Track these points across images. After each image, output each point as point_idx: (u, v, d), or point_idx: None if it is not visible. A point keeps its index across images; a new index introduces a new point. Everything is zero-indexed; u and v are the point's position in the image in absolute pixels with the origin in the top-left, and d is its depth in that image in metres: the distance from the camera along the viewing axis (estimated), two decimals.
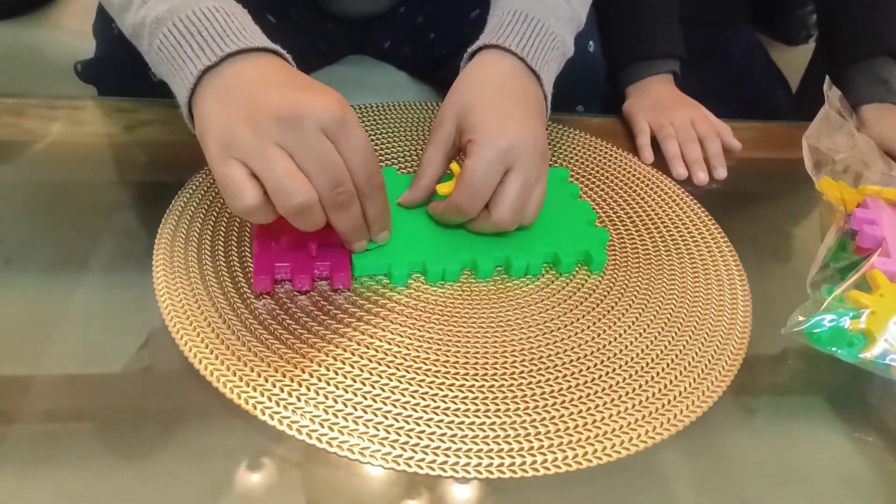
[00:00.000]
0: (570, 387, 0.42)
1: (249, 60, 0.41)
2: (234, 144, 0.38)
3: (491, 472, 0.37)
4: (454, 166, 0.49)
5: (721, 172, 0.65)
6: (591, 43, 0.70)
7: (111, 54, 0.64)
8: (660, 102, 0.70)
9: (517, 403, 0.40)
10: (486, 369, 0.42)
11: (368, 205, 0.43)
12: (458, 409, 0.40)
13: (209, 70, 0.41)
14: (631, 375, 0.43)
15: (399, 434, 0.38)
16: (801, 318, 0.45)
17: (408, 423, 0.38)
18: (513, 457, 0.37)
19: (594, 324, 0.46)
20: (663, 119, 0.68)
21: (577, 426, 0.39)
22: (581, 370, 0.43)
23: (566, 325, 0.46)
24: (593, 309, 0.48)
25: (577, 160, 0.63)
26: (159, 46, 0.42)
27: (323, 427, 0.38)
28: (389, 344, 0.43)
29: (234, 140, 0.38)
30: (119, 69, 0.62)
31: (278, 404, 0.38)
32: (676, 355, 0.45)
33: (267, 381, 0.39)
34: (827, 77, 0.67)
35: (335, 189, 0.40)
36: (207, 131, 0.40)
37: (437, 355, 0.43)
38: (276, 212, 0.39)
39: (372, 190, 0.42)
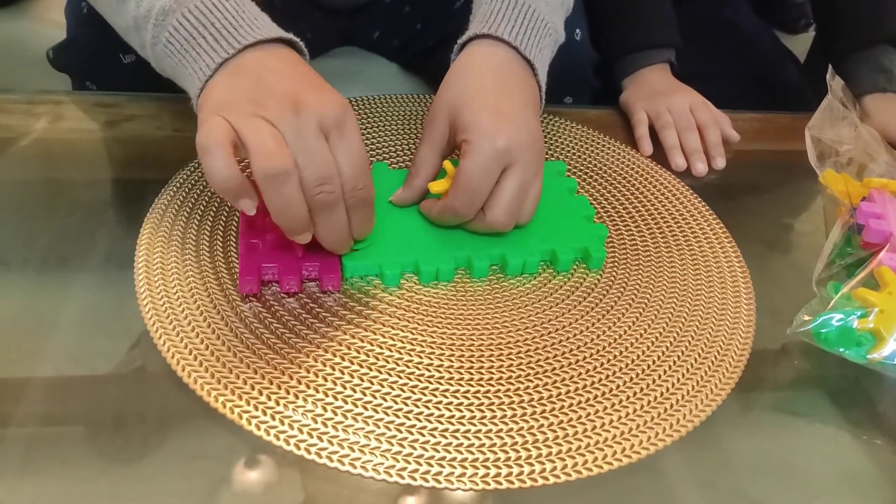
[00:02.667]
0: (569, 391, 0.40)
1: (265, 51, 0.40)
2: (229, 108, 0.37)
3: (487, 483, 0.35)
4: (447, 164, 0.48)
5: (720, 162, 0.63)
6: (577, 31, 0.68)
7: (82, 34, 0.62)
8: (657, 90, 0.69)
9: (514, 410, 0.39)
10: (483, 373, 0.41)
11: (352, 215, 0.41)
12: (453, 417, 0.38)
13: (224, 62, 0.40)
14: (632, 378, 0.41)
15: (392, 443, 0.36)
16: (807, 318, 0.44)
17: (401, 431, 0.37)
18: (510, 466, 0.36)
19: (594, 324, 0.45)
20: (661, 106, 0.66)
21: (576, 433, 0.38)
22: (581, 373, 0.41)
23: (564, 326, 0.44)
24: (592, 308, 0.46)
25: (574, 153, 0.62)
26: (168, 39, 0.41)
27: (312, 437, 0.36)
28: (381, 348, 0.41)
29: (230, 106, 0.38)
30: (90, 50, 0.61)
31: (265, 413, 0.37)
32: (679, 356, 0.43)
33: (253, 388, 0.38)
34: (830, 67, 0.65)
35: (320, 185, 0.38)
36: (207, 102, 0.39)
37: (431, 359, 0.41)
38: (241, 179, 0.37)
39: (357, 201, 0.40)
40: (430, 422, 0.38)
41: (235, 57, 0.40)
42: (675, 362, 0.43)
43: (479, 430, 0.38)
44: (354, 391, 0.39)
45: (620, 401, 0.40)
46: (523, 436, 0.37)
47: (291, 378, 0.39)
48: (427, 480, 0.35)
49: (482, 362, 0.41)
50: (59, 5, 0.65)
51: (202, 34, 0.40)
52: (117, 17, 0.45)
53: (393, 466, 0.35)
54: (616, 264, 0.50)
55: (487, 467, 0.36)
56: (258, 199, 0.38)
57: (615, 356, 0.43)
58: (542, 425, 0.38)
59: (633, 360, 0.43)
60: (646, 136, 0.65)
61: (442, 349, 0.42)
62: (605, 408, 0.40)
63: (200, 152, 0.36)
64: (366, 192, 0.40)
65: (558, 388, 0.40)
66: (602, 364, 0.42)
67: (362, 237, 0.44)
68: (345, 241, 0.42)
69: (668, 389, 0.41)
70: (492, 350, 0.42)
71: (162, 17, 0.41)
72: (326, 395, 0.38)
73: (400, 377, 0.40)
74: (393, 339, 0.42)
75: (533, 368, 0.41)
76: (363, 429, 0.37)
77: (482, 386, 0.40)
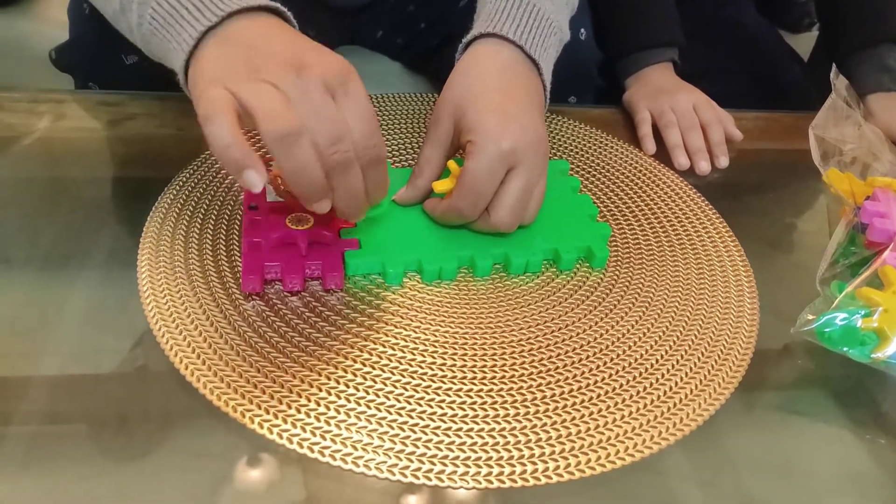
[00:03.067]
0: (572, 390, 0.40)
1: (251, 19, 0.39)
2: (227, 78, 0.36)
3: (490, 482, 0.35)
4: (451, 163, 0.48)
5: (723, 161, 0.63)
6: (582, 30, 0.68)
7: (84, 34, 0.62)
8: (660, 89, 0.69)
9: (517, 409, 0.39)
10: (485, 372, 0.40)
11: (366, 175, 0.39)
12: (455, 415, 0.38)
13: (209, 31, 0.38)
14: (635, 377, 0.41)
15: (395, 442, 0.36)
16: (810, 317, 0.44)
17: (403, 430, 0.37)
18: (513, 465, 0.36)
19: (596, 323, 0.45)
20: (664, 105, 0.66)
21: (579, 431, 0.38)
22: (584, 372, 0.41)
23: (567, 325, 0.44)
24: (595, 307, 0.46)
25: (577, 152, 0.62)
26: (152, 15, 0.40)
27: (314, 435, 0.36)
28: (384, 347, 0.41)
29: (227, 76, 0.36)
30: (92, 50, 0.61)
31: (268, 412, 0.37)
32: (682, 356, 0.43)
33: (256, 387, 0.38)
34: (833, 66, 0.65)
35: (334, 145, 0.36)
36: (201, 76, 0.37)
37: (434, 358, 0.41)
38: (245, 147, 0.35)
39: (370, 160, 0.39)
40: (433, 420, 0.38)
41: (221, 26, 0.38)
42: (678, 361, 0.43)
43: (482, 429, 0.37)
44: (357, 389, 0.38)
45: (623, 399, 0.40)
46: (526, 434, 0.37)
47: (294, 377, 0.39)
48: (430, 479, 0.35)
49: (485, 361, 0.41)
50: (62, 5, 0.65)
51: (184, 5, 0.39)
52: (106, 4, 0.44)
53: (395, 465, 0.35)
54: (619, 263, 0.50)
55: (490, 466, 0.36)
56: (264, 174, 0.36)
57: (618, 355, 0.43)
58: (544, 424, 0.38)
59: (635, 359, 0.43)
60: (649, 135, 0.65)
61: (445, 348, 0.42)
62: (608, 406, 0.39)
63: (203, 122, 0.35)
64: (378, 150, 0.39)
65: (561, 386, 0.40)
66: (605, 363, 0.42)
67: (378, 200, 0.42)
68: (362, 205, 0.41)
69: (670, 388, 0.41)
70: (494, 349, 0.42)
71: None
72: (329, 394, 0.38)
73: (402, 376, 0.40)
74: (396, 338, 0.42)
75: (536, 367, 0.41)
76: (366, 427, 0.37)
77: (485, 384, 0.40)
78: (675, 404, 0.40)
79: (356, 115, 0.37)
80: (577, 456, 0.37)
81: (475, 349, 0.42)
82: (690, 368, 0.42)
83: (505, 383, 0.40)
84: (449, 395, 0.39)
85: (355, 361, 0.40)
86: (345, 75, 0.37)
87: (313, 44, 0.39)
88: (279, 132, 0.35)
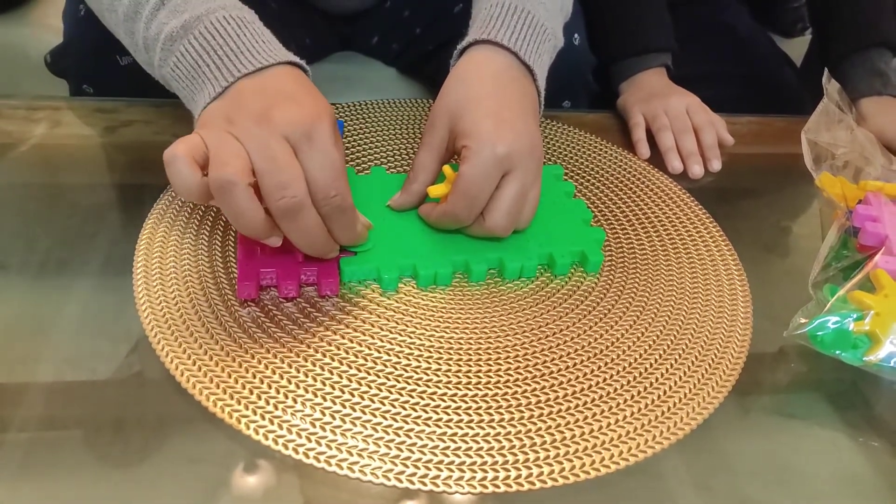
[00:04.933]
0: (567, 394, 0.40)
1: (263, 76, 0.41)
2: (205, 126, 0.39)
3: (486, 487, 0.35)
4: (446, 168, 0.48)
5: (716, 165, 0.64)
6: (576, 36, 0.69)
7: (78, 36, 0.62)
8: (654, 93, 0.69)
9: (512, 413, 0.39)
10: (480, 377, 0.41)
11: (329, 223, 0.41)
12: (451, 420, 0.38)
13: (224, 90, 0.41)
14: (630, 381, 0.42)
15: (390, 447, 0.36)
16: (803, 321, 0.44)
17: (399, 435, 0.37)
18: (508, 469, 0.36)
19: (591, 327, 0.45)
20: (658, 109, 0.66)
21: (574, 436, 0.38)
22: (578, 376, 0.42)
23: (562, 330, 0.45)
24: (590, 312, 0.46)
25: (571, 157, 0.62)
26: (176, 64, 0.42)
27: (310, 441, 0.36)
28: (379, 352, 0.41)
29: (206, 125, 0.39)
30: (86, 51, 0.61)
31: (263, 417, 0.37)
32: (676, 359, 0.43)
33: (252, 392, 0.38)
34: (826, 70, 0.65)
35: (280, 191, 0.37)
36: (196, 124, 0.41)
37: (430, 363, 0.41)
38: (201, 185, 0.37)
39: (332, 210, 0.40)
40: (429, 425, 0.38)
41: (234, 84, 0.40)
42: (672, 365, 0.43)
43: (477, 434, 0.38)
44: (353, 395, 0.39)
45: (618, 404, 0.40)
46: (521, 439, 0.38)
47: (290, 382, 0.39)
48: (425, 484, 0.35)
49: (480, 366, 0.41)
50: (59, 11, 0.65)
51: (206, 62, 0.41)
52: (124, 33, 0.45)
53: (391, 470, 0.35)
54: (613, 267, 0.50)
55: (486, 470, 0.36)
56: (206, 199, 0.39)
57: (612, 359, 0.43)
58: (539, 428, 0.38)
59: (630, 364, 0.43)
60: (643, 139, 0.65)
61: (440, 353, 0.42)
62: (603, 411, 0.40)
63: (165, 166, 0.37)
64: (339, 200, 0.40)
65: (556, 391, 0.40)
66: (599, 367, 0.42)
67: (350, 243, 0.44)
68: (322, 247, 0.41)
69: (665, 392, 0.41)
70: (489, 353, 0.42)
71: (170, 42, 0.42)
72: (325, 400, 0.38)
73: (398, 381, 0.40)
74: (391, 343, 0.42)
75: (531, 372, 0.41)
76: (362, 433, 0.37)
77: (480, 389, 0.40)
78: (669, 408, 0.40)
79: (316, 164, 0.38)
80: (571, 460, 0.37)
81: (470, 354, 0.42)
82: (685, 372, 0.43)
83: (500, 388, 0.40)
84: (444, 400, 0.39)
85: (350, 367, 0.40)
86: (309, 127, 0.38)
87: (298, 94, 0.40)
88: (215, 181, 0.36)
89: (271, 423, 0.37)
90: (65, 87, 0.67)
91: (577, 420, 0.39)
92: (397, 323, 0.43)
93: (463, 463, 0.36)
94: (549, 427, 0.38)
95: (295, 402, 0.38)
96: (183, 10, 0.42)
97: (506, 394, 0.40)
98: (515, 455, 0.37)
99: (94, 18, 0.49)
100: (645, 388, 0.41)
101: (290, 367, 0.40)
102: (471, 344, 0.43)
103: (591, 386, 0.41)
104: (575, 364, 0.42)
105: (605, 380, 0.42)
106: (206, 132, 0.38)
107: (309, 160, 0.38)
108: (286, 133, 0.38)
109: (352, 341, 0.42)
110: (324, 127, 0.39)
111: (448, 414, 0.38)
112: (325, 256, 0.43)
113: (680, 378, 0.42)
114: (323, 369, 0.40)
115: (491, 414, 0.39)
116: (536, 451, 0.37)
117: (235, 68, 0.40)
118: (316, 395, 0.38)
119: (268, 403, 0.37)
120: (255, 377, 0.39)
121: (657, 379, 0.42)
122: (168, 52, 0.42)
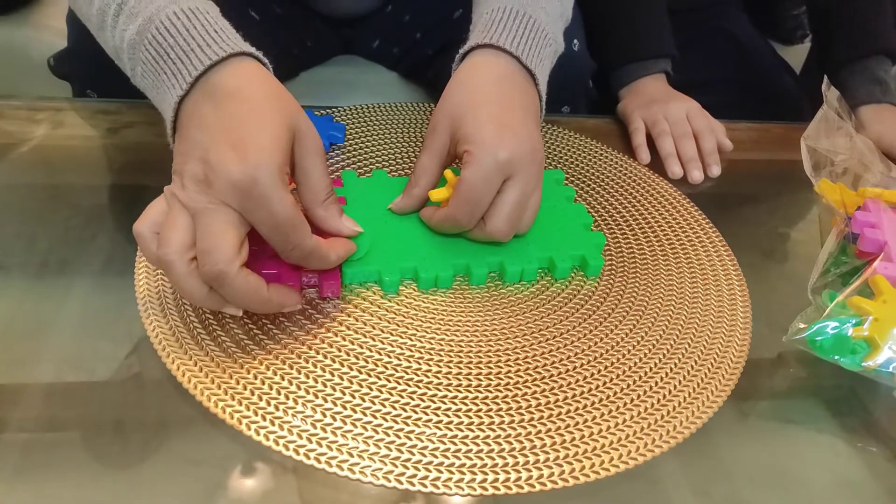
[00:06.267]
0: (566, 398, 0.40)
1: (221, 72, 0.39)
2: (177, 170, 0.38)
3: (485, 489, 0.35)
4: (447, 172, 0.48)
5: (715, 170, 0.64)
6: (575, 41, 0.69)
7: (82, 41, 0.62)
8: (654, 99, 0.69)
9: (512, 416, 0.39)
10: (480, 380, 0.41)
11: (305, 266, 0.41)
12: (451, 422, 0.38)
13: (183, 99, 0.39)
14: (629, 385, 0.42)
15: (390, 449, 0.36)
16: (802, 326, 0.44)
17: (399, 437, 0.37)
18: (507, 472, 0.36)
19: (591, 331, 0.45)
20: (658, 114, 0.67)
21: (573, 439, 0.38)
22: (578, 380, 0.42)
23: (562, 333, 0.45)
24: (590, 316, 0.46)
25: (572, 162, 0.62)
26: (143, 73, 0.41)
27: (310, 442, 0.36)
28: (380, 354, 0.41)
29: (174, 173, 0.38)
30: (90, 57, 0.61)
31: (264, 418, 0.37)
32: (675, 364, 0.44)
33: (252, 393, 0.38)
34: (825, 77, 0.66)
35: (203, 258, 0.36)
36: (176, 148, 0.39)
37: (430, 366, 0.41)
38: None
39: (298, 258, 0.39)
40: (429, 427, 0.38)
41: (192, 91, 0.39)
42: (671, 370, 0.43)
43: (477, 436, 0.38)
44: (353, 396, 0.39)
45: (617, 408, 0.40)
46: (520, 441, 0.38)
47: (290, 384, 0.39)
48: (425, 486, 0.35)
49: (480, 368, 0.41)
50: (61, 13, 0.66)
51: (162, 68, 0.40)
52: (101, 42, 0.45)
53: (391, 472, 0.35)
54: (613, 272, 0.50)
55: (485, 473, 0.36)
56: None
57: (611, 364, 0.43)
58: (538, 431, 0.38)
59: (629, 368, 0.43)
60: (643, 144, 0.65)
61: (440, 355, 0.42)
62: (602, 414, 0.40)
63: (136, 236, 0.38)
64: (298, 250, 0.39)
65: (555, 394, 0.41)
66: (598, 371, 0.42)
67: (333, 265, 0.43)
68: (258, 307, 0.40)
69: (664, 397, 0.41)
70: (489, 356, 0.42)
71: (132, 51, 0.41)
72: (325, 401, 0.38)
73: (398, 383, 0.40)
74: (392, 346, 0.42)
75: (530, 375, 0.41)
76: (361, 434, 0.37)
77: (479, 392, 0.40)
78: (668, 412, 0.40)
79: (264, 223, 0.37)
80: (570, 463, 0.37)
81: (470, 357, 0.42)
82: (684, 377, 0.43)
83: (499, 391, 0.40)
84: (444, 403, 0.39)
85: (351, 369, 0.40)
86: (247, 186, 0.36)
87: (244, 138, 0.37)
88: (158, 259, 0.37)
89: (271, 423, 0.37)
90: (67, 88, 0.67)
91: (576, 423, 0.39)
92: (398, 325, 0.43)
93: (462, 465, 0.36)
94: (548, 430, 0.38)
95: (295, 402, 0.38)
96: (137, 12, 0.40)
97: (505, 396, 0.40)
98: (514, 458, 0.37)
99: None
100: (644, 392, 0.41)
101: (291, 367, 0.40)
102: (471, 347, 0.43)
103: (589, 390, 0.41)
104: (574, 368, 0.42)
105: (604, 384, 0.42)
106: (170, 196, 0.38)
107: (257, 221, 0.37)
108: (226, 199, 0.36)
109: (352, 343, 0.42)
110: (263, 179, 0.36)
111: (447, 416, 0.39)
112: (263, 313, 0.42)
113: (679, 382, 0.42)
114: (323, 370, 0.40)
115: (490, 416, 0.39)
116: (535, 454, 0.37)
117: (188, 70, 0.39)
118: (316, 396, 0.38)
119: (268, 404, 0.38)
120: (255, 377, 0.39)
121: (656, 383, 0.42)
122: (134, 61, 0.41)
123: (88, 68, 0.63)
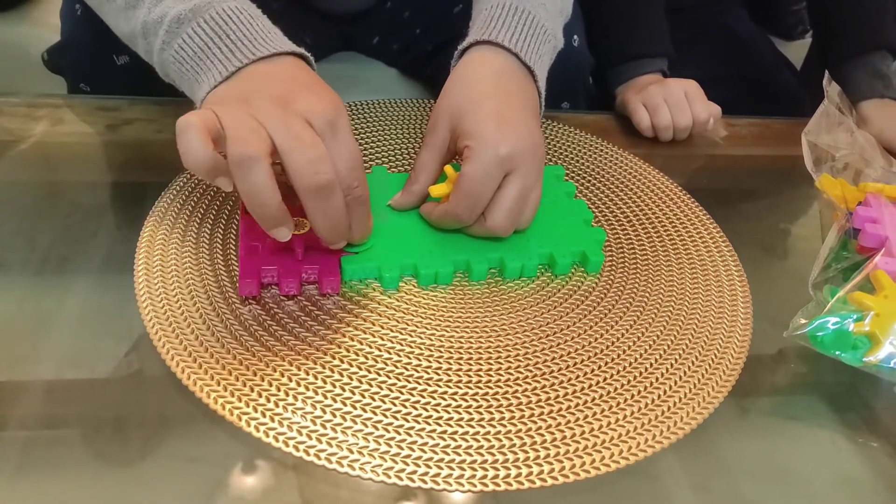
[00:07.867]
0: (566, 393, 0.40)
1: (273, 63, 0.41)
2: (218, 104, 0.38)
3: (485, 485, 0.35)
4: (447, 168, 0.48)
5: (710, 122, 0.67)
6: (575, 37, 0.69)
7: (76, 35, 0.63)
8: (651, 83, 0.70)
9: (512, 412, 0.39)
10: (481, 376, 0.41)
11: (350, 213, 0.41)
12: (451, 419, 0.38)
13: (235, 72, 0.41)
14: (630, 381, 0.42)
15: (390, 445, 0.36)
16: (803, 322, 0.44)
17: (399, 433, 0.37)
18: (508, 468, 0.36)
19: (591, 327, 0.45)
20: (658, 97, 0.67)
21: (573, 435, 0.38)
22: (578, 376, 0.42)
23: (562, 329, 0.45)
24: (590, 312, 0.46)
25: (572, 158, 0.62)
26: (180, 46, 0.42)
27: (311, 439, 0.36)
28: (380, 350, 0.41)
29: (220, 102, 0.39)
30: (84, 50, 0.61)
31: (264, 415, 0.37)
32: (676, 359, 0.43)
33: (252, 390, 0.38)
34: (826, 72, 0.66)
35: (313, 168, 0.37)
36: (205, 103, 0.40)
37: (430, 362, 0.41)
38: (211, 159, 0.36)
39: (352, 201, 0.40)
40: (429, 424, 0.38)
41: (245, 68, 0.41)
42: (671, 366, 0.43)
43: (477, 432, 0.38)
44: (353, 393, 0.39)
45: (617, 403, 0.40)
46: (521, 438, 0.38)
47: (290, 380, 0.39)
48: (425, 482, 0.35)
49: (480, 365, 0.41)
50: (59, 9, 0.66)
51: (217, 44, 0.41)
52: (123, 21, 0.45)
53: (391, 468, 0.35)
54: (614, 268, 0.50)
55: (485, 469, 0.36)
56: (229, 186, 0.38)
57: (612, 359, 0.43)
58: (539, 427, 0.38)
59: (629, 364, 0.43)
60: (646, 118, 0.67)
61: (440, 352, 0.42)
62: (602, 410, 0.40)
63: (177, 134, 0.36)
64: (360, 191, 0.40)
65: (556, 390, 0.40)
66: (599, 367, 0.42)
67: (361, 239, 0.44)
68: (343, 232, 0.41)
69: (664, 392, 0.41)
70: (489, 353, 0.42)
71: (176, 24, 0.42)
72: (325, 398, 0.38)
73: (398, 379, 0.40)
74: (392, 342, 0.42)
75: (531, 371, 0.41)
76: (362, 431, 0.37)
77: (480, 388, 0.40)
78: (668, 408, 0.40)
79: (342, 154, 0.39)
80: (571, 459, 0.37)
81: (470, 353, 0.42)
82: (684, 372, 0.43)
83: (500, 387, 0.40)
84: (444, 399, 0.39)
85: (351, 365, 0.40)
86: (332, 116, 0.38)
87: (314, 85, 0.41)
88: (236, 157, 0.36)
89: (271, 420, 0.37)
90: (64, 86, 0.67)
91: (577, 419, 0.39)
92: (398, 321, 0.43)
93: (463, 461, 0.36)
94: (549, 426, 0.38)
95: (295, 399, 0.38)
96: None
97: (505, 392, 0.40)
98: (515, 453, 0.37)
99: (91, 18, 0.49)
100: (644, 388, 0.41)
101: (291, 364, 0.40)
102: (471, 343, 0.43)
103: (590, 385, 0.41)
104: (575, 364, 0.42)
105: (604, 379, 0.42)
106: (221, 109, 0.37)
107: (334, 149, 0.38)
108: (309, 118, 0.38)
109: (352, 339, 0.42)
110: (345, 118, 0.39)
111: (448, 412, 0.38)
112: (337, 245, 0.43)
113: (679, 378, 0.42)
114: (323, 367, 0.40)
115: (490, 412, 0.39)
116: (536, 450, 0.37)
117: (248, 51, 0.41)
118: (316, 393, 0.38)
119: (268, 401, 0.37)
120: (255, 374, 0.39)
121: (657, 379, 0.42)
122: (173, 34, 0.42)
123: (82, 61, 0.63)
